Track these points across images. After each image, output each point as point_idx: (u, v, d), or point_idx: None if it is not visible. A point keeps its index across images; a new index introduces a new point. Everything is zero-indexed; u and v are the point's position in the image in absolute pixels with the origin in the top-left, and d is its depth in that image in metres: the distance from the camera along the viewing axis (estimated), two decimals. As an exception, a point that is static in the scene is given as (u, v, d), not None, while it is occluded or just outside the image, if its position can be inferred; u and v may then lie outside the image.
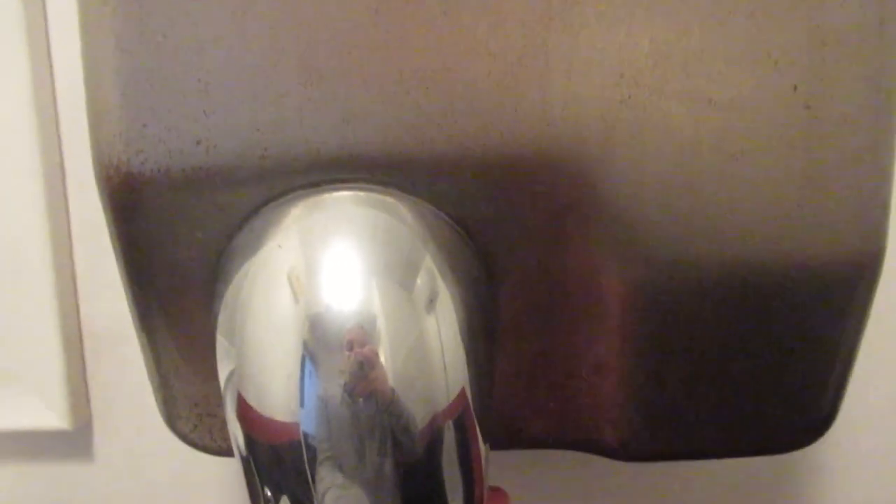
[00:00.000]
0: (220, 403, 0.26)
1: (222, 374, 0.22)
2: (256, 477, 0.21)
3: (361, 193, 0.22)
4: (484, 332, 0.23)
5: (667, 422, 0.25)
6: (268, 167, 0.21)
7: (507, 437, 0.26)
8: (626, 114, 0.22)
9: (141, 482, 0.39)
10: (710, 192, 0.22)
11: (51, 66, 0.34)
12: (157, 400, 0.26)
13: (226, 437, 0.26)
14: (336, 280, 0.21)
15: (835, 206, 0.22)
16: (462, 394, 0.21)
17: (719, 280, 0.23)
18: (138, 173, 0.21)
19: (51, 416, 0.36)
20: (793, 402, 0.25)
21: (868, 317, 0.24)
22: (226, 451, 0.27)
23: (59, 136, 0.35)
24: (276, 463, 0.21)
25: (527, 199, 0.22)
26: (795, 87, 0.21)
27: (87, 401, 0.38)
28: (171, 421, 0.26)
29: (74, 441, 0.38)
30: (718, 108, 0.22)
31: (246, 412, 0.21)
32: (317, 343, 0.20)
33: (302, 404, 0.20)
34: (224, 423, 0.26)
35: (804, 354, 0.24)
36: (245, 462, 0.22)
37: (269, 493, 0.21)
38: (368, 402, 0.20)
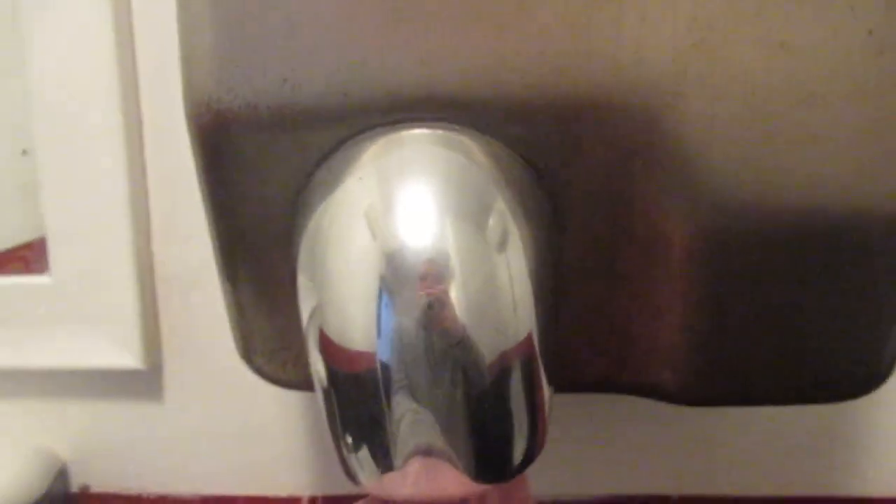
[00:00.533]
0: (293, 338, 0.27)
1: (304, 311, 0.23)
2: (336, 405, 0.23)
3: (438, 132, 0.23)
4: (552, 274, 0.24)
5: (726, 366, 0.26)
6: (348, 106, 0.22)
7: (567, 379, 0.27)
8: (697, 58, 0.22)
9: (209, 422, 0.41)
10: (780, 137, 0.22)
11: (131, 18, 0.36)
12: (234, 334, 0.28)
13: (298, 371, 0.28)
14: (411, 218, 0.22)
15: (902, 155, 0.22)
16: (529, 335, 0.22)
17: (785, 227, 0.23)
18: (227, 110, 0.22)
19: (125, 356, 0.38)
20: (852, 352, 0.26)
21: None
22: (297, 384, 0.28)
23: (137, 87, 0.37)
24: (354, 390, 0.22)
25: (597, 143, 0.23)
26: (870, 32, 0.21)
27: (159, 343, 0.40)
28: (247, 355, 0.28)
29: (146, 381, 0.40)
30: (791, 51, 0.22)
31: (327, 344, 0.22)
32: (393, 278, 0.21)
33: (379, 335, 0.21)
34: (297, 357, 0.28)
35: (866, 304, 0.25)
36: (325, 392, 0.23)
37: (346, 420, 0.23)
38: (440, 337, 0.21)
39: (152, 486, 0.42)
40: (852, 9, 0.21)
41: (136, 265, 0.38)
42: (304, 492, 0.42)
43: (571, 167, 0.23)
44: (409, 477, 0.22)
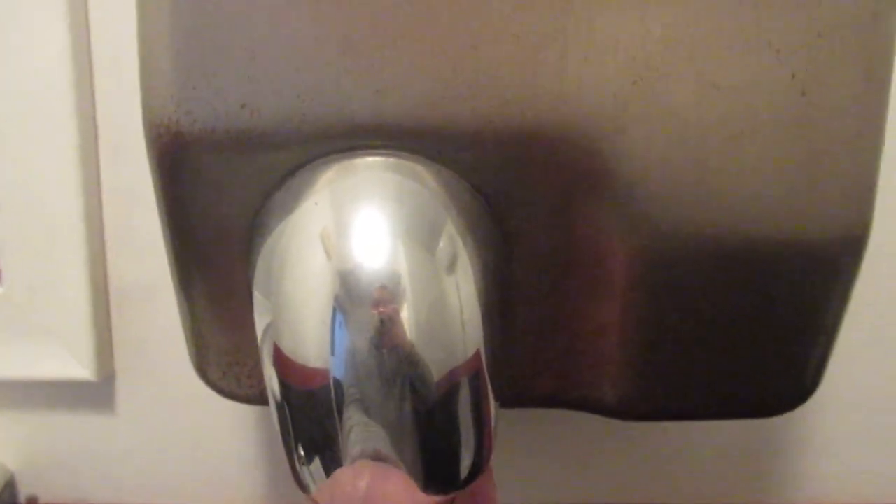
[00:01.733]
0: (248, 353, 0.28)
1: (259, 327, 0.24)
2: (289, 419, 0.23)
3: (391, 160, 0.24)
4: (499, 295, 0.25)
5: (661, 383, 0.27)
6: (306, 132, 0.23)
7: (514, 395, 0.28)
8: (636, 95, 0.23)
9: (162, 434, 0.41)
10: (712, 169, 0.24)
11: (88, 33, 0.36)
12: (189, 348, 0.28)
13: (252, 385, 0.28)
14: (365, 240, 0.22)
15: (826, 187, 0.24)
16: (477, 353, 0.23)
17: (717, 252, 0.25)
18: (187, 133, 0.23)
19: (76, 366, 0.38)
20: (780, 370, 0.27)
21: (851, 292, 0.26)
22: (251, 398, 0.29)
23: (93, 95, 0.37)
24: (307, 405, 0.23)
25: (541, 171, 0.24)
26: (793, 75, 0.23)
27: (112, 353, 0.40)
28: (202, 368, 0.28)
29: (98, 392, 0.40)
30: (722, 91, 0.23)
31: (281, 360, 0.23)
32: (347, 298, 0.22)
33: (333, 352, 0.22)
34: (251, 371, 0.28)
35: (792, 325, 0.26)
36: (279, 406, 0.23)
37: (299, 433, 0.23)
38: (391, 354, 0.22)
39: (103, 498, 0.42)
40: (777, 53, 0.23)
41: (90, 276, 0.38)
42: (260, 502, 0.42)
43: (518, 193, 0.24)
44: (358, 483, 0.23)
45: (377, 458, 0.23)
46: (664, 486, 0.42)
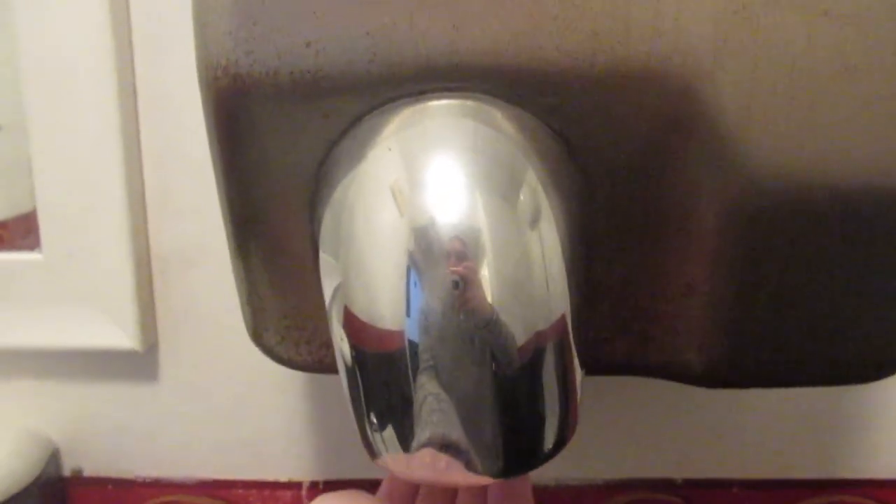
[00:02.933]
0: (308, 317, 0.26)
1: (327, 291, 0.22)
2: (361, 385, 0.22)
3: (467, 103, 0.22)
4: (583, 251, 0.23)
5: (753, 346, 0.25)
6: (375, 73, 0.21)
7: (589, 360, 0.26)
8: (738, 25, 0.21)
9: (206, 404, 0.40)
10: (820, 108, 0.22)
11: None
12: (243, 312, 0.27)
13: (311, 351, 0.27)
14: (440, 193, 0.21)
15: (946, 129, 0.22)
16: (562, 316, 0.21)
17: (818, 204, 0.23)
18: (246, 74, 0.21)
19: (119, 335, 0.37)
20: (881, 332, 0.25)
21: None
22: (309, 366, 0.27)
23: (132, 54, 0.35)
24: (381, 369, 0.21)
25: (632, 114, 0.22)
26: (918, 1, 0.21)
27: (155, 322, 0.38)
28: (258, 333, 0.27)
29: (141, 362, 0.39)
30: (834, 19, 0.21)
31: (353, 322, 0.21)
32: (421, 255, 0.20)
33: (408, 314, 0.20)
34: (310, 336, 0.27)
35: (894, 286, 0.24)
36: (350, 371, 0.22)
37: (372, 399, 0.22)
38: (469, 317, 0.20)
39: (147, 470, 0.41)
40: (898, -23, 0.21)
41: (131, 241, 0.36)
42: (305, 476, 0.41)
43: (605, 139, 0.22)
44: (434, 460, 0.21)
45: (448, 443, 0.21)
46: (725, 458, 0.40)
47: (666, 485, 0.40)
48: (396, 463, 0.22)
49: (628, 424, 0.40)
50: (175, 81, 0.35)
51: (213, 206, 0.35)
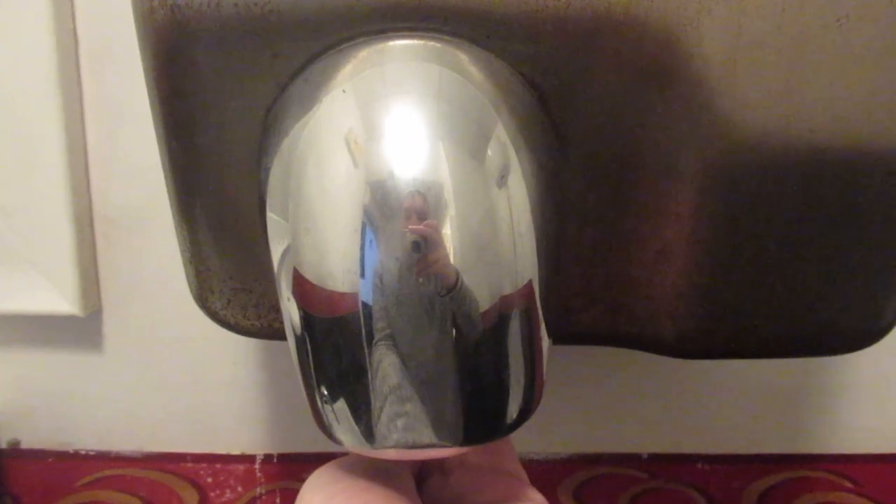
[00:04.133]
0: (255, 279, 0.24)
1: (276, 253, 0.21)
2: (311, 353, 0.20)
3: (430, 44, 0.20)
4: (554, 212, 0.21)
5: (728, 315, 0.24)
6: (330, 8, 0.19)
7: (560, 329, 0.25)
8: (726, -31, 0.20)
9: (153, 373, 0.38)
10: (809, 62, 0.20)
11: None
12: (187, 275, 0.25)
13: (260, 316, 0.25)
14: (400, 143, 0.19)
15: (938, 86, 0.21)
16: (529, 283, 0.20)
17: (806, 164, 0.22)
18: (185, 5, 0.19)
19: (61, 300, 0.35)
20: (857, 302, 0.24)
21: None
22: (257, 331, 0.25)
23: (73, 8, 0.32)
24: (333, 337, 0.19)
25: (609, 62, 0.20)
26: (915, -53, 0.19)
27: (98, 287, 0.36)
28: (203, 297, 0.25)
29: (84, 328, 0.37)
30: (827, -33, 0.20)
31: (303, 286, 0.19)
32: (378, 211, 0.18)
33: (362, 275, 0.19)
34: (258, 300, 0.25)
35: (876, 255, 0.23)
36: (299, 339, 0.20)
37: (322, 369, 0.20)
38: (428, 281, 0.19)
39: (89, 443, 0.39)
40: (898, -81, 0.19)
41: (71, 200, 0.34)
42: (259, 450, 0.39)
43: (581, 91, 0.21)
44: (392, 435, 0.20)
45: (412, 405, 0.19)
46: (691, 433, 0.40)
47: (631, 459, 0.40)
48: (353, 439, 0.20)
49: (593, 398, 0.39)
50: (121, 27, 0.33)
51: (160, 164, 0.33)
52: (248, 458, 0.39)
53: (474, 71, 0.20)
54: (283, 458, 0.39)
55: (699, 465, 0.40)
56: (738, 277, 0.23)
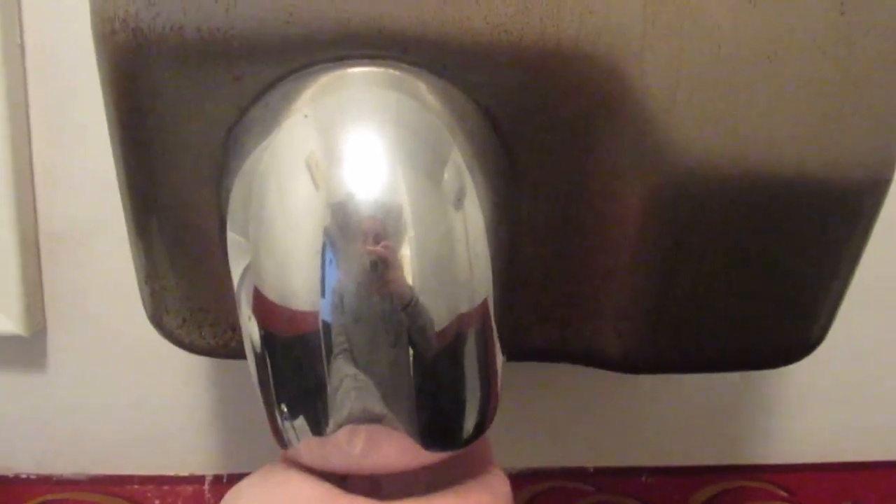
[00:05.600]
0: (212, 299, 0.25)
1: (236, 273, 0.21)
2: (271, 370, 0.20)
3: (389, 72, 0.21)
4: (507, 234, 0.22)
5: (671, 331, 0.25)
6: (292, 35, 0.20)
7: (512, 346, 0.26)
8: (667, 7, 0.21)
9: (98, 394, 0.37)
10: (743, 94, 0.22)
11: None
12: (142, 294, 0.25)
13: (216, 335, 0.25)
14: (360, 166, 0.19)
15: (860, 118, 0.22)
16: (484, 300, 0.21)
17: (742, 189, 0.23)
18: (147, 28, 0.19)
19: (3, 320, 0.34)
20: (791, 318, 0.26)
21: (868, 238, 0.25)
22: (212, 351, 0.26)
23: (20, 12, 0.32)
24: (292, 354, 0.20)
25: (559, 92, 0.21)
26: (836, -9, 0.21)
27: (42, 305, 0.35)
28: (157, 316, 0.25)
29: (27, 348, 0.36)
30: (758, 7, 0.21)
31: (263, 304, 0.20)
32: (338, 231, 0.19)
33: (323, 294, 0.19)
34: (214, 319, 0.25)
35: (808, 270, 0.25)
36: (258, 357, 0.20)
37: (282, 386, 0.20)
38: (385, 300, 0.19)
39: (30, 466, 0.38)
40: (820, -34, 0.21)
41: (16, 216, 0.33)
42: (208, 470, 0.39)
43: (533, 119, 0.22)
44: (349, 445, 0.20)
45: (369, 417, 0.20)
46: (635, 447, 0.41)
47: (578, 473, 0.41)
48: (310, 451, 0.21)
49: (540, 413, 0.40)
50: (69, 38, 0.32)
51: (110, 179, 0.32)
52: (196, 479, 0.39)
53: (431, 98, 0.21)
54: (232, 478, 0.39)
55: (643, 479, 0.41)
56: (680, 296, 0.24)
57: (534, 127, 0.22)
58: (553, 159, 0.23)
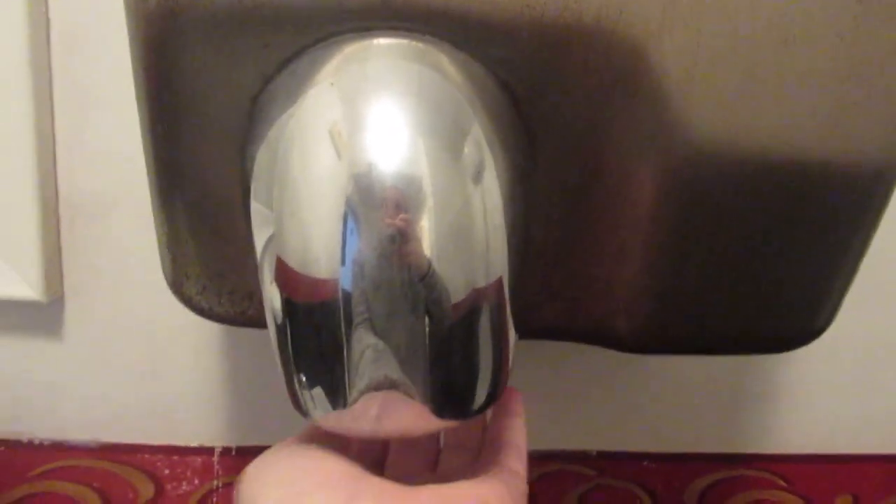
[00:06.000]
0: (233, 266, 0.25)
1: (259, 242, 0.21)
2: (290, 337, 0.21)
3: (413, 44, 0.21)
4: (523, 211, 0.23)
5: (680, 312, 0.26)
6: (320, 3, 0.20)
7: (521, 323, 0.26)
8: (688, -12, 0.21)
9: (113, 362, 0.38)
10: (759, 77, 0.22)
11: None
12: (163, 260, 0.25)
13: (234, 302, 0.26)
14: (381, 138, 0.20)
15: (873, 105, 0.23)
16: (499, 277, 0.21)
17: (754, 170, 0.23)
18: (180, -5, 0.20)
19: (22, 286, 0.34)
20: (799, 303, 0.26)
21: (878, 226, 0.25)
22: (231, 318, 0.26)
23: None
24: (312, 322, 0.20)
25: (579, 68, 0.22)
26: (853, -23, 0.21)
27: (61, 272, 0.36)
28: (178, 282, 0.25)
29: (44, 314, 0.36)
30: (779, -10, 0.21)
31: (285, 273, 0.20)
32: (359, 201, 0.19)
33: (343, 262, 0.20)
34: (234, 286, 0.25)
35: (818, 255, 0.25)
36: (279, 325, 0.21)
37: (301, 354, 0.21)
38: (403, 269, 0.20)
39: (44, 432, 0.39)
40: (839, -48, 0.21)
41: (38, 184, 0.34)
42: (216, 442, 0.39)
43: (552, 94, 0.22)
44: (366, 412, 0.21)
45: (386, 384, 0.20)
46: (637, 432, 0.41)
47: (580, 456, 0.41)
48: (328, 416, 0.21)
49: (543, 396, 0.40)
50: (94, 11, 0.33)
51: (130, 148, 0.33)
52: (206, 451, 0.39)
53: (453, 71, 0.21)
54: (241, 450, 0.39)
55: (644, 463, 0.42)
56: (690, 278, 0.25)
57: (552, 103, 0.22)
58: (570, 136, 0.23)
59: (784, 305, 0.26)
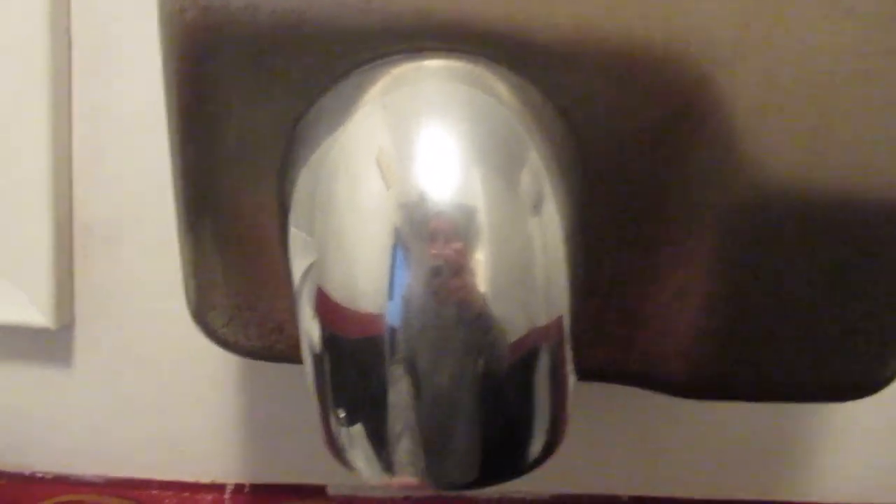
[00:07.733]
0: (261, 297, 0.24)
1: (297, 270, 0.20)
2: (328, 373, 0.19)
3: (467, 66, 0.20)
4: (582, 244, 0.21)
5: (741, 356, 0.24)
6: (370, 21, 0.19)
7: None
8: (762, 14, 0.20)
9: (121, 394, 0.36)
10: (837, 111, 0.21)
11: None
12: (186, 288, 0.24)
13: (261, 336, 0.24)
14: (433, 165, 0.18)
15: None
16: (560, 317, 0.20)
17: (824, 210, 0.22)
18: (219, 7, 0.18)
19: (32, 311, 0.33)
20: (866, 350, 0.24)
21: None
22: (256, 352, 0.24)
23: (69, 7, 0.31)
24: (354, 357, 0.19)
25: (644, 97, 0.20)
26: (945, 6, 0.20)
27: (72, 298, 0.34)
28: (202, 312, 0.24)
29: (54, 342, 0.35)
30: (857, 18, 0.20)
31: (326, 304, 0.19)
32: (409, 233, 0.18)
33: (391, 297, 0.18)
34: (261, 319, 0.24)
35: (888, 305, 0.24)
36: (317, 359, 0.19)
37: (341, 390, 0.19)
38: (453, 306, 0.18)
39: (48, 465, 0.37)
40: (928, -22, 0.20)
41: (53, 206, 0.32)
42: (230, 478, 0.37)
43: (613, 123, 0.21)
44: (410, 464, 0.19)
45: (428, 430, 0.19)
46: (671, 477, 0.40)
47: (611, 501, 0.39)
48: (367, 464, 0.19)
49: (576, 439, 0.38)
50: (118, 29, 0.32)
51: (150, 170, 0.32)
52: (217, 488, 0.37)
53: (509, 96, 0.20)
54: (255, 488, 0.37)
55: (678, 510, 0.40)
56: (753, 321, 0.23)
57: (613, 132, 0.21)
58: (631, 167, 0.21)
59: (853, 351, 0.24)
